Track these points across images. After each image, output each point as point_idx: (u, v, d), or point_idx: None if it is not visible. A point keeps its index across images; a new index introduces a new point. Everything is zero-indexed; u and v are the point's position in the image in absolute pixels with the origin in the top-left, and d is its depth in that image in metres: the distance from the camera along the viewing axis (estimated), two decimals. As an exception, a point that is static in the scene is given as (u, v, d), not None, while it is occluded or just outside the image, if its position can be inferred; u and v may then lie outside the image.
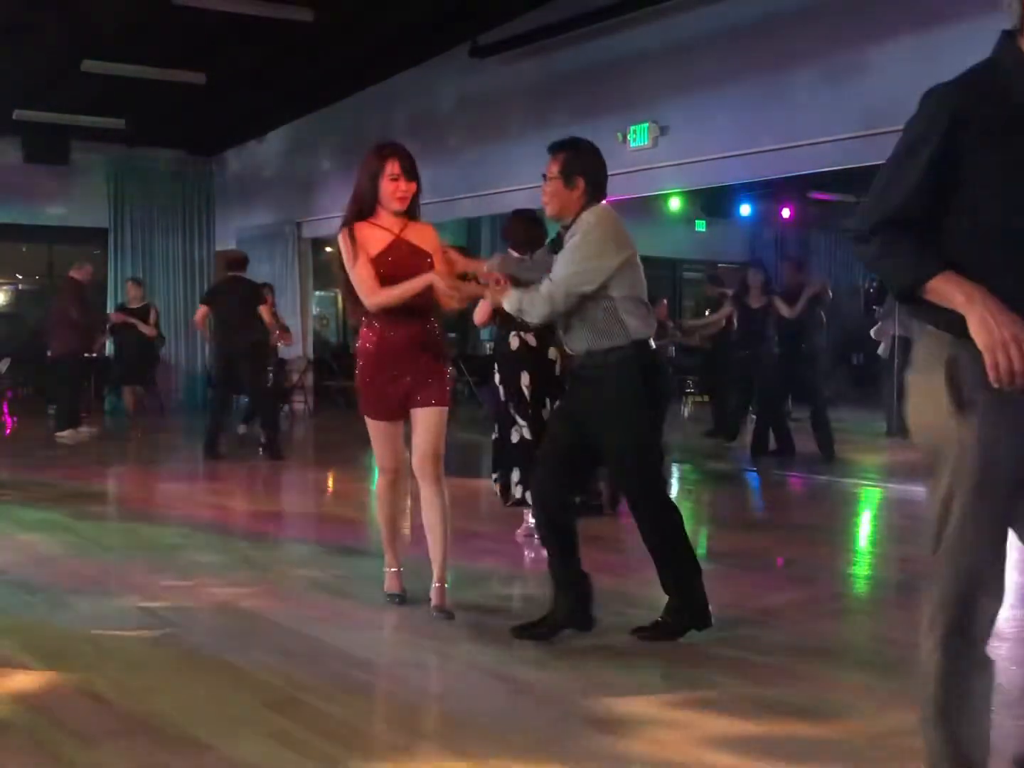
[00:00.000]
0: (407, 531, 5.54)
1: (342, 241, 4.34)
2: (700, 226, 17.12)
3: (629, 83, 9.46)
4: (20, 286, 16.58)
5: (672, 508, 4.13)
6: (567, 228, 4.01)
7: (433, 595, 4.42)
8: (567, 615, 4.06)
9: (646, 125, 9.27)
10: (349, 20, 9.75)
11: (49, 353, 11.31)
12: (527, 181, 9.55)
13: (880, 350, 11.53)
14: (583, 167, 4.00)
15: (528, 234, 5.87)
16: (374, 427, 4.49)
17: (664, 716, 3.37)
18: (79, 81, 10.88)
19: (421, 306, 4.33)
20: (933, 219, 2.23)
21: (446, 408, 4.44)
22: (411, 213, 4.43)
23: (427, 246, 4.41)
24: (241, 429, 11.19)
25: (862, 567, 5.94)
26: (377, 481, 4.64)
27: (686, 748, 3.11)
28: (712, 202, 14.93)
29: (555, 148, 4.06)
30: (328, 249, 16.48)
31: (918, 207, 2.22)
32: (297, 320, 14.32)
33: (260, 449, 9.74)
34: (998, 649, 4.18)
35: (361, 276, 4.28)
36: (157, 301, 13.58)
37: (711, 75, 8.79)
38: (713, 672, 3.77)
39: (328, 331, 17.73)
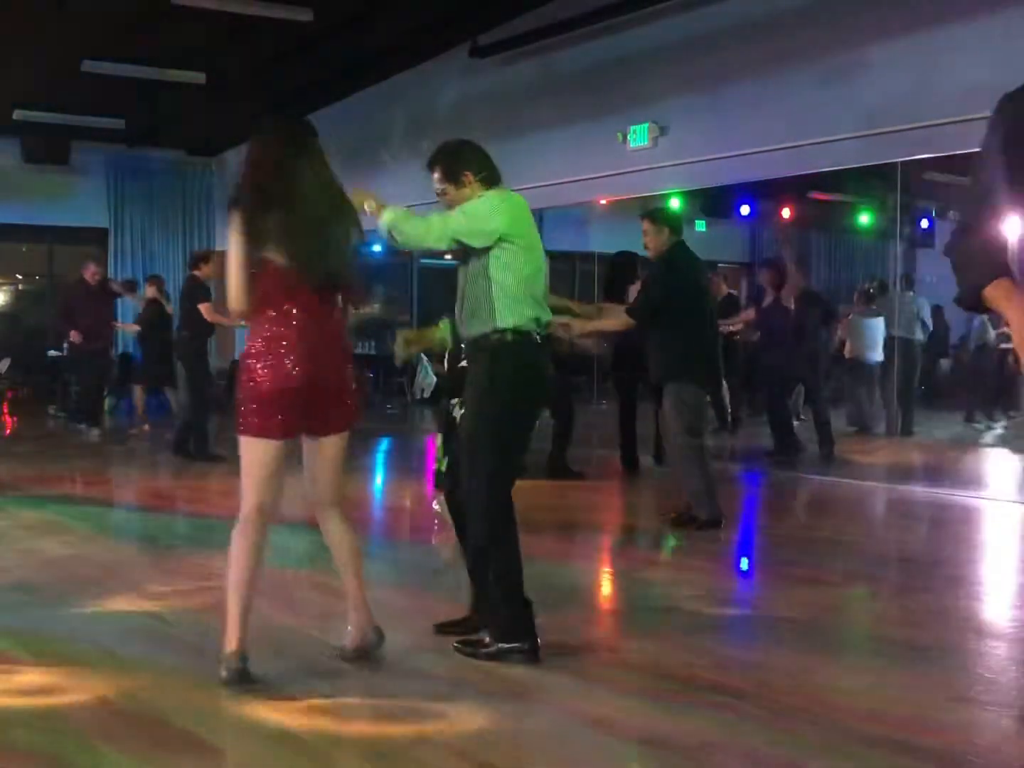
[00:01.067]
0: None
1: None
2: (700, 226, 17.10)
3: (629, 83, 9.46)
4: (20, 286, 16.58)
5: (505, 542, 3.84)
6: None
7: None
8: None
9: (646, 125, 9.27)
10: (349, 20, 9.75)
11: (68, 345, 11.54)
12: (528, 181, 9.55)
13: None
14: (465, 163, 3.93)
15: None
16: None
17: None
18: (79, 81, 10.88)
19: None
20: (1001, 224, 2.26)
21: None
22: None
23: None
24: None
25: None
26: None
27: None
28: (712, 202, 14.92)
29: (430, 160, 4.03)
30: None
31: (985, 213, 2.25)
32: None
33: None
34: (997, 649, 4.19)
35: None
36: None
37: (711, 75, 8.78)
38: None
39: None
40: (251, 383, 3.61)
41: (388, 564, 5.77)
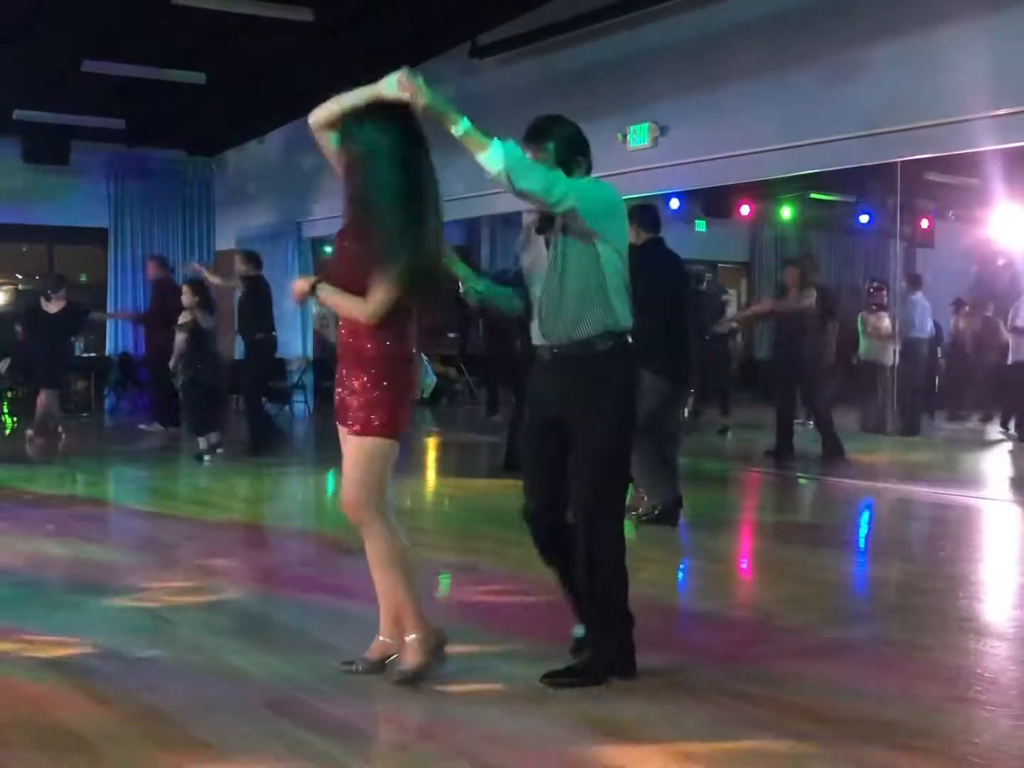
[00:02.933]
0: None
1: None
2: (700, 226, 17.11)
3: (629, 83, 9.46)
4: (20, 286, 16.57)
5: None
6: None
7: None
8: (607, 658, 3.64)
9: (646, 125, 9.26)
10: (349, 20, 9.74)
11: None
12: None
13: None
14: (579, 145, 3.79)
15: None
16: (393, 451, 3.65)
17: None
18: (79, 81, 10.87)
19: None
20: None
21: (368, 438, 3.59)
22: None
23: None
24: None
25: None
26: (392, 525, 3.64)
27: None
28: (712, 202, 14.93)
29: (538, 134, 3.71)
30: (328, 249, 16.49)
31: None
32: (297, 320, 14.32)
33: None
34: (997, 649, 4.19)
35: None
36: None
37: (711, 75, 8.78)
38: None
39: (328, 331, 17.72)
40: (406, 386, 3.63)
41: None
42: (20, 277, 16.62)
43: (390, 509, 3.62)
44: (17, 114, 12.28)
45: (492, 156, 3.37)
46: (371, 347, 3.61)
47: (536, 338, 3.68)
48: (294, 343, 14.28)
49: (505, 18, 10.18)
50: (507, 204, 9.21)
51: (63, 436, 10.79)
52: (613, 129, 9.36)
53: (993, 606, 5.04)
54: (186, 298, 9.90)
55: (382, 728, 3.28)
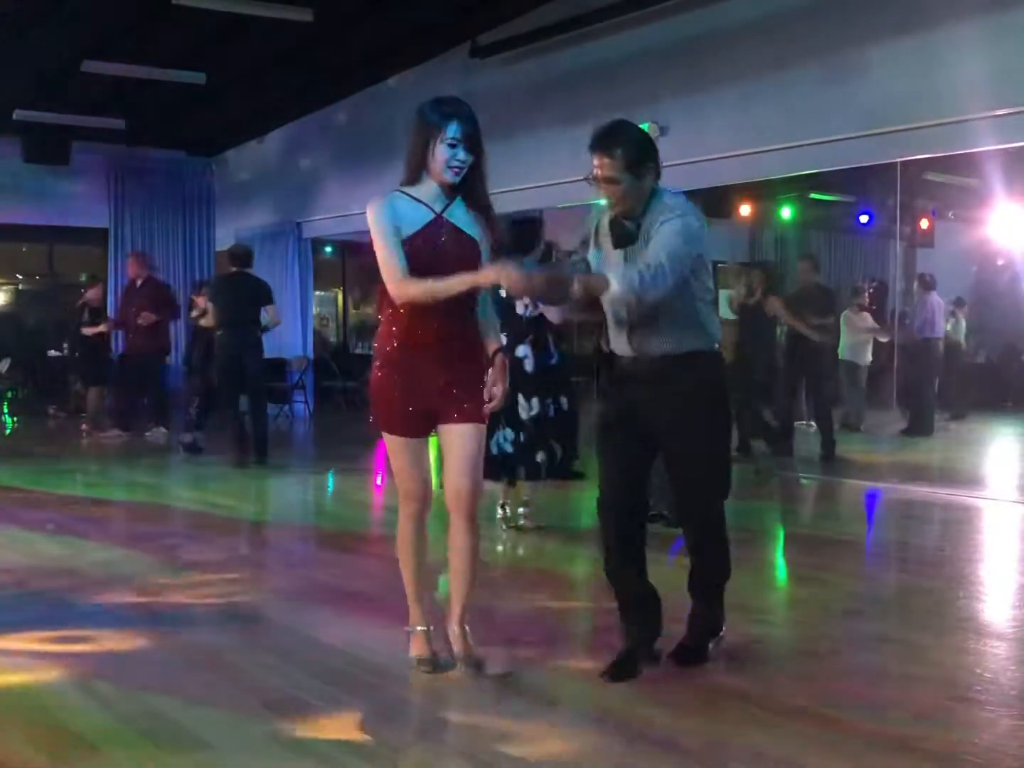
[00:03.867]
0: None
1: (370, 213, 3.66)
2: (699, 226, 17.07)
3: (629, 83, 9.45)
4: (20, 286, 16.59)
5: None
6: (636, 221, 3.63)
7: (454, 642, 3.73)
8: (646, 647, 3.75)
9: (646, 125, 9.22)
10: (349, 20, 9.74)
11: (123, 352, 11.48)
12: (528, 181, 9.55)
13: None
14: (647, 152, 3.65)
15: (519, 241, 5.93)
16: (395, 444, 3.67)
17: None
18: (79, 81, 10.88)
19: (461, 297, 3.51)
20: None
21: (484, 425, 3.68)
22: (467, 190, 3.59)
23: (474, 232, 3.62)
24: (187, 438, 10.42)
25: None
26: (400, 513, 3.76)
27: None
28: (712, 202, 14.91)
29: (606, 143, 3.58)
30: (328, 249, 16.49)
31: None
32: (297, 320, 14.33)
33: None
34: (997, 649, 4.19)
35: (384, 258, 3.59)
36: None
37: (711, 75, 8.78)
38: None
39: (328, 331, 17.73)
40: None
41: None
42: (20, 277, 16.64)
43: None
44: (17, 114, 12.29)
45: (617, 295, 3.41)
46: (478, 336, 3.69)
47: (619, 349, 3.73)
48: (294, 343, 14.28)
49: (505, 18, 10.18)
50: (507, 204, 9.24)
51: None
52: (613, 129, 9.35)
53: (993, 606, 5.04)
54: (200, 302, 10.00)
55: (382, 728, 3.27)
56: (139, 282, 11.60)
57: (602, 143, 3.58)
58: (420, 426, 3.64)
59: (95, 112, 12.44)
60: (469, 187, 3.58)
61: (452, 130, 3.48)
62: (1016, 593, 5.32)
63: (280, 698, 3.50)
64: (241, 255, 9.71)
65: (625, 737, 3.20)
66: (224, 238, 15.47)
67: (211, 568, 5.47)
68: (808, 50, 8.18)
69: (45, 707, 3.44)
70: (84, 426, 11.35)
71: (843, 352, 11.53)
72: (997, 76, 6.96)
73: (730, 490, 3.82)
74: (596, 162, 3.58)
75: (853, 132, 7.83)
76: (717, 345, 3.74)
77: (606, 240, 3.72)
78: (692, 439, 3.65)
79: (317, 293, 15.87)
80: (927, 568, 5.76)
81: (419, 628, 3.79)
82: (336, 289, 17.59)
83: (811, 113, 8.08)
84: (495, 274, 3.39)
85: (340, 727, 3.26)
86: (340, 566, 5.56)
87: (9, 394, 14.18)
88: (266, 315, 9.54)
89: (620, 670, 3.65)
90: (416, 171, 3.58)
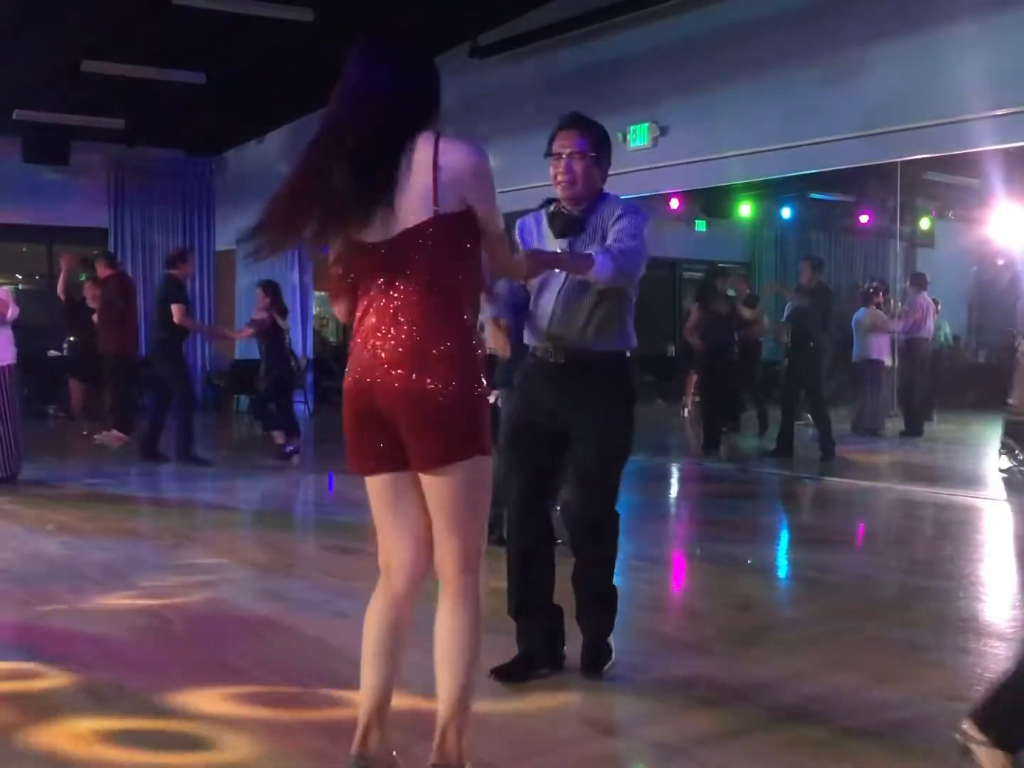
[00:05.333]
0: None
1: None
2: (700, 226, 17.11)
3: (629, 83, 9.46)
4: (20, 286, 16.58)
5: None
6: (582, 212, 3.62)
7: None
8: (542, 652, 3.70)
9: (646, 125, 9.26)
10: (349, 20, 9.74)
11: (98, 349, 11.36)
12: (528, 181, 9.53)
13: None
14: (607, 145, 3.72)
15: None
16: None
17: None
18: (79, 81, 10.88)
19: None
20: None
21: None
22: None
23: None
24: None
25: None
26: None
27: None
28: (712, 202, 14.92)
29: (583, 122, 3.67)
30: (328, 249, 16.48)
31: None
32: (297, 320, 14.33)
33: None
34: (997, 649, 4.19)
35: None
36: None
37: (711, 75, 8.78)
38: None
39: (328, 331, 17.74)
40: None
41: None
42: (20, 277, 16.63)
43: None
44: (17, 114, 12.29)
45: (599, 270, 3.42)
46: None
47: (537, 340, 3.67)
48: (294, 343, 14.28)
49: (505, 18, 10.19)
50: (507, 204, 9.25)
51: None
52: (613, 129, 9.22)
53: (993, 606, 5.04)
54: (260, 300, 9.78)
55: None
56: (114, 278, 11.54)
57: (579, 120, 3.68)
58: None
59: (95, 112, 12.45)
60: None
61: None
62: (1016, 593, 5.32)
63: (280, 698, 3.50)
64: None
65: (621, 737, 3.20)
66: (224, 238, 15.49)
67: (211, 567, 5.47)
68: (808, 50, 8.19)
69: (45, 707, 3.44)
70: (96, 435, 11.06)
71: (863, 352, 11.49)
72: (997, 76, 6.96)
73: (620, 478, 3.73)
74: (566, 140, 3.64)
75: (853, 132, 7.84)
76: (632, 348, 3.69)
77: (543, 235, 3.72)
78: (600, 440, 3.61)
79: (317, 293, 15.87)
80: (927, 568, 5.76)
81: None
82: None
83: (811, 113, 8.08)
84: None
85: (340, 727, 3.26)
86: (340, 566, 5.56)
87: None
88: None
89: (512, 672, 3.62)
90: None
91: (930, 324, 11.87)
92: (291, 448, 9.68)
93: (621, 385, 3.67)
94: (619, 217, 3.56)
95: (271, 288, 9.90)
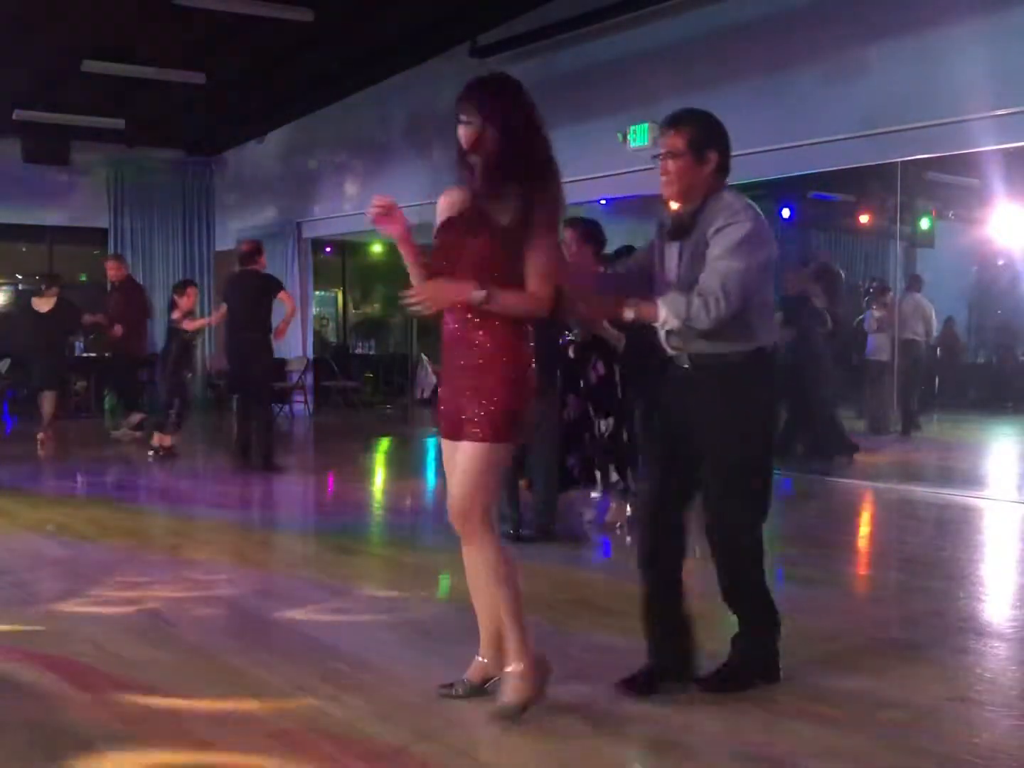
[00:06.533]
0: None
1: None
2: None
3: (629, 83, 9.46)
4: (20, 286, 16.57)
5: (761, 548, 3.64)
6: (691, 214, 3.48)
7: (474, 670, 3.48)
8: (673, 666, 3.56)
9: (646, 125, 9.26)
10: (349, 20, 9.75)
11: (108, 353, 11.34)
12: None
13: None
14: (714, 139, 3.48)
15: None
16: (506, 457, 3.36)
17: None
18: (79, 81, 10.88)
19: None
20: None
21: (487, 444, 3.22)
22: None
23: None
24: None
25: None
26: (496, 538, 3.31)
27: None
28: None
29: (678, 119, 3.50)
30: (328, 249, 16.50)
31: None
32: (297, 320, 14.31)
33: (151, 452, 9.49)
34: (997, 649, 4.19)
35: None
36: (156, 301, 13.56)
37: (711, 75, 8.78)
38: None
39: (328, 331, 17.74)
40: (530, 390, 3.34)
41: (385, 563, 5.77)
42: (20, 277, 16.63)
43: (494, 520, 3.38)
44: (17, 114, 12.28)
45: (666, 321, 3.36)
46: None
47: (666, 347, 3.57)
48: (294, 343, 14.29)
49: (505, 18, 10.18)
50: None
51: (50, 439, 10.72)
52: (613, 129, 9.36)
53: (993, 606, 5.04)
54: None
55: (382, 728, 3.27)
56: (116, 284, 11.50)
57: (671, 118, 3.53)
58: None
59: (95, 112, 12.44)
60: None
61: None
62: (1016, 593, 5.32)
63: (280, 698, 3.50)
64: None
65: (622, 738, 3.19)
66: (224, 238, 15.49)
67: (211, 568, 5.47)
68: (808, 50, 8.18)
69: (45, 707, 3.44)
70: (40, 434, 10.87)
71: (872, 352, 11.48)
72: (997, 76, 6.96)
73: (766, 513, 3.57)
74: (663, 140, 3.52)
75: (853, 132, 7.84)
76: (761, 346, 3.47)
77: (663, 236, 3.63)
78: (721, 447, 3.47)
79: (317, 293, 15.87)
80: (927, 568, 5.76)
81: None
82: (336, 289, 17.60)
83: (811, 113, 8.08)
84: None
85: (340, 727, 3.26)
86: (340, 566, 5.56)
87: (9, 394, 14.14)
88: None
89: (640, 685, 3.50)
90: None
91: (916, 325, 11.82)
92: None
93: (742, 390, 3.45)
94: (720, 230, 3.37)
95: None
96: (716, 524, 3.56)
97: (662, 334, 3.52)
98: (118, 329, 10.77)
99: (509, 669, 3.26)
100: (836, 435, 9.70)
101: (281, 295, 9.04)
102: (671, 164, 3.47)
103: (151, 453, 9.54)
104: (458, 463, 3.27)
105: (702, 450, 3.49)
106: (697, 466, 3.51)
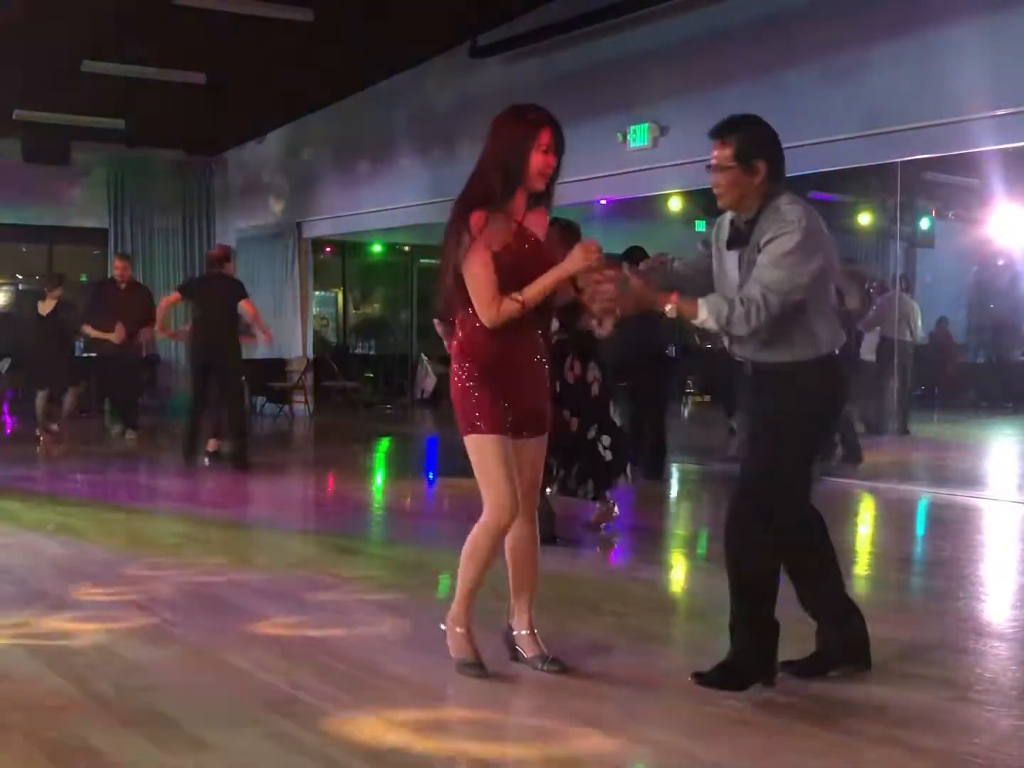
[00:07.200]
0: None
1: (472, 225, 3.45)
2: (700, 226, 17.09)
3: (629, 83, 9.46)
4: (20, 286, 16.57)
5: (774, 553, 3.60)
6: (747, 222, 3.50)
7: (527, 645, 3.73)
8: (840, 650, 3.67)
9: (646, 125, 9.27)
10: (349, 20, 9.75)
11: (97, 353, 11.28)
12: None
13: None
14: (762, 148, 3.48)
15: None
16: (498, 447, 3.52)
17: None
18: (79, 81, 10.88)
19: (546, 311, 3.66)
20: None
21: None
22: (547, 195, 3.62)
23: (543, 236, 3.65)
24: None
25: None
26: (488, 523, 3.55)
27: None
28: (712, 202, 14.87)
29: (724, 129, 3.50)
30: (328, 249, 16.50)
31: None
32: (297, 320, 14.32)
33: (207, 458, 9.34)
34: (997, 649, 4.19)
35: (483, 281, 3.46)
36: (157, 301, 13.53)
37: (711, 75, 8.78)
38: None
39: (328, 331, 17.74)
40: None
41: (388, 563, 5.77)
42: (20, 277, 16.63)
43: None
44: (17, 114, 12.29)
45: (706, 322, 3.38)
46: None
47: (733, 352, 3.63)
48: (294, 343, 14.30)
49: (505, 18, 10.19)
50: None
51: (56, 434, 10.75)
52: (613, 129, 9.37)
53: (993, 606, 5.04)
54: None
55: (382, 728, 3.27)
56: (123, 285, 11.40)
57: (718, 129, 3.52)
58: (507, 430, 3.57)
59: (95, 112, 12.44)
60: (548, 192, 3.60)
61: (547, 136, 3.50)
62: (1016, 593, 5.32)
63: (280, 698, 3.50)
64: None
65: (619, 737, 3.19)
66: (224, 238, 15.48)
67: (211, 568, 5.47)
68: (808, 50, 8.19)
69: (45, 707, 3.44)
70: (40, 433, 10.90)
71: (864, 352, 11.47)
72: (997, 76, 6.96)
73: (777, 522, 3.52)
74: (712, 152, 3.52)
75: (853, 132, 7.84)
76: (825, 353, 3.48)
77: (721, 243, 3.64)
78: (760, 451, 3.54)
79: (317, 293, 15.87)
80: (927, 568, 5.76)
81: (459, 629, 3.69)
82: (336, 289, 17.61)
83: (811, 113, 8.08)
84: (583, 255, 3.41)
85: (340, 727, 3.26)
86: (340, 567, 5.56)
87: (9, 394, 14.15)
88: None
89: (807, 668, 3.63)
90: (514, 183, 3.50)
91: (900, 325, 11.80)
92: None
93: (797, 398, 3.47)
94: (770, 240, 3.39)
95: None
96: (727, 527, 3.58)
97: (726, 342, 3.58)
98: (120, 331, 10.70)
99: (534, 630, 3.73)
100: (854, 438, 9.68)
101: (243, 303, 9.18)
102: (720, 176, 3.49)
103: (206, 459, 9.39)
104: (536, 455, 3.68)
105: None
106: None
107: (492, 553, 3.59)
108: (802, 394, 3.48)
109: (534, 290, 3.46)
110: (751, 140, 3.48)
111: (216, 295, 9.13)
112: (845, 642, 3.69)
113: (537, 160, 3.48)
